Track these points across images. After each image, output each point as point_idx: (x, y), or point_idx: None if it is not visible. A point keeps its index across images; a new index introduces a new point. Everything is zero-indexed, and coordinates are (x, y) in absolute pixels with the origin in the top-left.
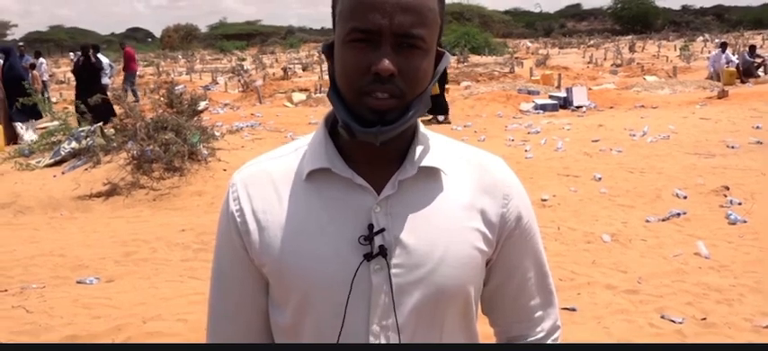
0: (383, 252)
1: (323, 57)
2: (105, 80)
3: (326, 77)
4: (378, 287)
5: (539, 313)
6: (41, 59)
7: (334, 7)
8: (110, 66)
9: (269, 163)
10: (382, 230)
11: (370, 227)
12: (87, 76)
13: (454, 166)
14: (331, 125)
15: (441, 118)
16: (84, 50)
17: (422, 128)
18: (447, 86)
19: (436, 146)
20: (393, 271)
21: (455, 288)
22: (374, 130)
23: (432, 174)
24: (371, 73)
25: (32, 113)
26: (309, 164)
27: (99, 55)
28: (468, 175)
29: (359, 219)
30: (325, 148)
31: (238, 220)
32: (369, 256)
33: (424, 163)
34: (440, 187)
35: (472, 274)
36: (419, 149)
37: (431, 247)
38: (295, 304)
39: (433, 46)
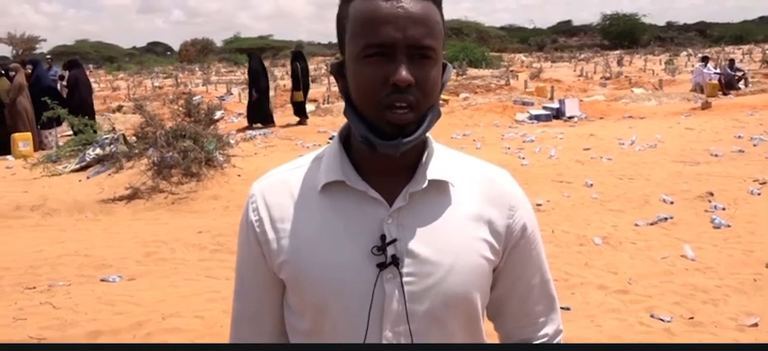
0: (395, 261)
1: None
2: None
3: (334, 89)
4: (390, 295)
5: (542, 318)
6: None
7: (341, 28)
8: None
9: (287, 174)
10: (394, 241)
11: (383, 237)
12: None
13: (462, 178)
14: (344, 139)
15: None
16: (73, 64)
17: (432, 141)
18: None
19: (445, 158)
20: (405, 279)
21: (464, 295)
22: (395, 142)
23: (441, 186)
24: (389, 84)
25: (55, 121)
26: (325, 176)
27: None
28: (475, 187)
29: (372, 230)
30: (340, 162)
31: (257, 229)
32: (382, 266)
33: (434, 176)
34: (449, 199)
35: (480, 282)
36: (429, 162)
37: (441, 256)
38: (312, 312)
39: (441, 56)
